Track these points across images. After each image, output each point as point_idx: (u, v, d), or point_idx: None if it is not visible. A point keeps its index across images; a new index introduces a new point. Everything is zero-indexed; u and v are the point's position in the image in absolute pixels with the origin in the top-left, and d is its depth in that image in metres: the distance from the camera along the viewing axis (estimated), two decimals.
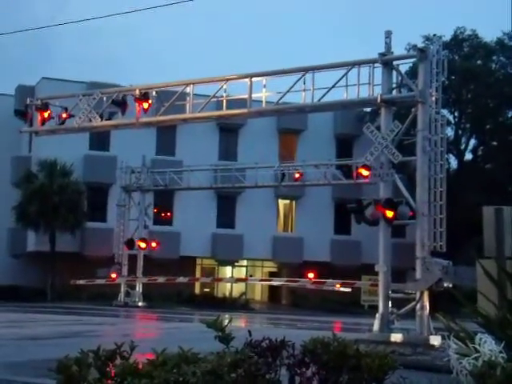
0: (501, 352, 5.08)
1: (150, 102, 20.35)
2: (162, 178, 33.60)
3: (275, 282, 36.79)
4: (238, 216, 41.93)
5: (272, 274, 42.15)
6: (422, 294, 16.01)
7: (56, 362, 5.22)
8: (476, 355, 5.05)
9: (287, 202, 43.88)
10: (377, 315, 16.42)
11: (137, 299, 33.16)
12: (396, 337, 15.76)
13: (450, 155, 40.03)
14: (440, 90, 17.09)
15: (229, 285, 42.18)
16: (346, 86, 17.64)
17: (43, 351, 12.48)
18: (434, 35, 18.85)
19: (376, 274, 17.40)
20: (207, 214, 40.84)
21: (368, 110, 38.21)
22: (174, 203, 41.05)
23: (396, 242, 18.08)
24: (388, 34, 17.12)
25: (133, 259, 33.95)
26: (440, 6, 73.36)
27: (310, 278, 21.28)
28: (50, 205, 36.09)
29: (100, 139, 39.13)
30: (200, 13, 69.29)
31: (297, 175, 30.26)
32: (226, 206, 41.85)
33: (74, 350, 5.42)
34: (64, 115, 21.78)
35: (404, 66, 18.58)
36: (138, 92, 20.28)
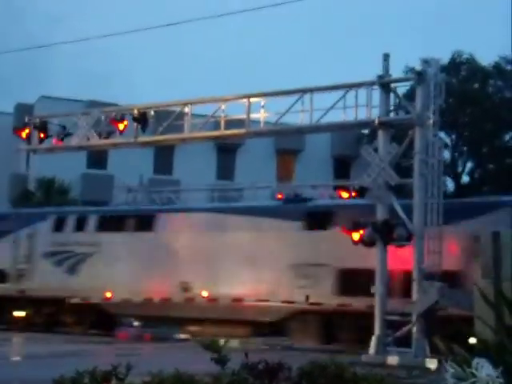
0: (498, 377, 5.05)
1: (148, 121, 20.39)
2: (159, 197, 33.57)
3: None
4: None
5: None
6: (418, 316, 15.98)
7: (50, 382, 5.19)
8: (473, 380, 5.02)
9: None
10: (372, 337, 16.37)
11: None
12: (392, 359, 15.69)
13: (447, 178, 40.10)
14: (437, 113, 17.16)
15: None
16: (344, 107, 17.71)
17: (35, 370, 12.41)
18: (432, 58, 18.97)
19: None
20: None
21: (366, 131, 38.33)
22: None
23: None
24: (386, 57, 17.24)
25: None
26: (438, 29, 73.93)
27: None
28: None
29: (97, 158, 39.16)
30: (198, 32, 69.64)
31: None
32: None
33: (66, 370, 5.39)
34: (62, 134, 21.80)
35: (402, 89, 18.70)
36: (136, 111, 20.31)
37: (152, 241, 23.33)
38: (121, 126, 20.37)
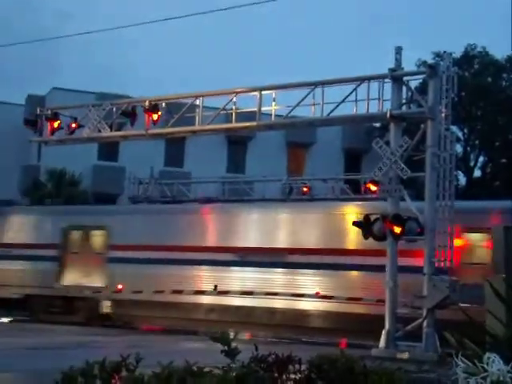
0: (509, 372, 5.02)
1: (159, 113, 20.37)
2: (169, 189, 33.56)
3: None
4: None
5: None
6: (428, 310, 15.93)
7: (59, 373, 5.20)
8: (484, 374, 5.00)
9: None
10: (383, 331, 16.34)
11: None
12: (402, 354, 15.66)
13: (459, 172, 39.92)
14: (450, 107, 17.07)
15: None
16: (356, 100, 17.63)
17: (43, 361, 12.47)
18: (445, 52, 18.86)
19: None
20: None
21: (377, 124, 38.21)
22: None
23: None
24: (398, 50, 17.14)
25: None
26: (451, 22, 73.52)
27: (317, 293, 21.27)
28: None
29: (109, 150, 39.20)
30: (210, 25, 69.56)
31: (305, 189, 30.18)
32: None
33: (75, 361, 5.40)
34: (73, 125, 21.83)
35: (414, 82, 18.58)
36: (147, 103, 20.30)
37: None
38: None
